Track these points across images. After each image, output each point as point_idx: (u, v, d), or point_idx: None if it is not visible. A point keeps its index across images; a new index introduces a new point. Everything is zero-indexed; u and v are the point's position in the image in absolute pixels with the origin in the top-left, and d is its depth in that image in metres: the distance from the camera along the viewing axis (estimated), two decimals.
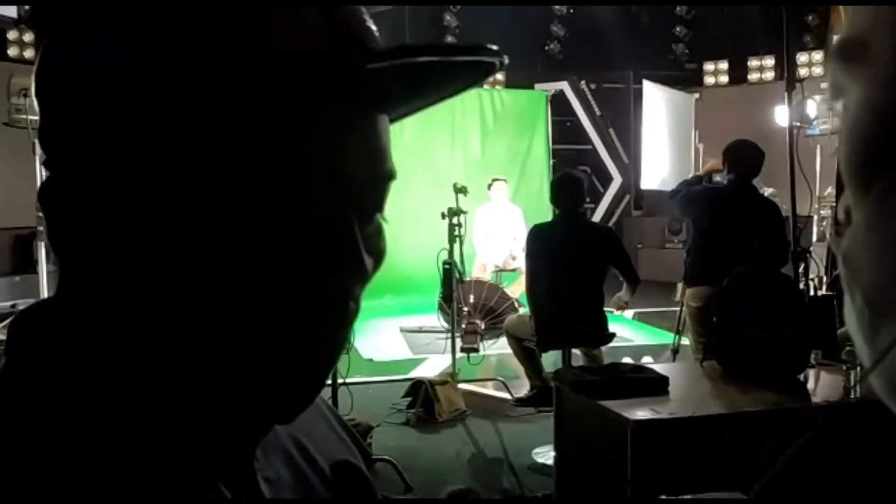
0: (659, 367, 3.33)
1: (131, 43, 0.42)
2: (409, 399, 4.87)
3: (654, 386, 2.92)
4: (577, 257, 4.22)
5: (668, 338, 6.73)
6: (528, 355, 4.84)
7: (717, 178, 4.57)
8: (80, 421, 0.43)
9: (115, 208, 0.43)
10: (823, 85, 9.10)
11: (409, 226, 8.85)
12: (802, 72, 9.71)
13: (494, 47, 0.45)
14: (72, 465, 0.42)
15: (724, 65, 10.91)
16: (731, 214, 4.14)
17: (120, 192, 0.43)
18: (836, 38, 0.39)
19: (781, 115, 7.33)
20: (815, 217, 6.72)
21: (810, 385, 3.06)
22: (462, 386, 5.16)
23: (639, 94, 10.02)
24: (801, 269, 4.01)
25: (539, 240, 4.43)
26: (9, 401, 0.44)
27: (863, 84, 0.36)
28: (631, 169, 10.54)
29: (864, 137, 0.35)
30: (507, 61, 0.46)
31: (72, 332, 0.46)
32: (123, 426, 0.44)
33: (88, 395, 0.44)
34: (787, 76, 4.00)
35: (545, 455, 4.11)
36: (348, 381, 4.17)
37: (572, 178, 4.50)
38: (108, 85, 0.42)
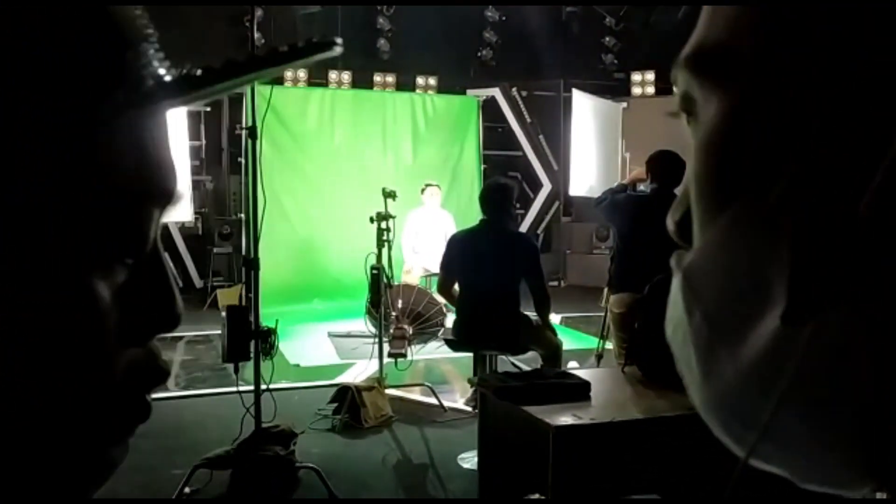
0: (582, 373, 3.37)
1: None
2: (335, 405, 4.81)
3: (577, 391, 2.95)
4: (493, 264, 4.27)
5: (594, 342, 6.83)
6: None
7: (641, 186, 4.67)
8: None
9: None
10: None
11: (339, 230, 8.78)
12: None
13: (335, 40, 0.35)
14: None
15: (650, 76, 11.18)
16: (653, 222, 4.20)
17: None
18: (687, 45, 0.37)
19: None
20: None
21: None
22: (389, 391, 5.13)
23: (568, 102, 10.17)
24: None
25: (459, 245, 4.48)
26: None
27: (719, 99, 0.34)
28: (560, 176, 10.69)
29: (720, 157, 0.34)
30: (340, 47, 0.35)
31: None
32: None
33: None
34: None
35: (470, 460, 4.12)
36: (272, 387, 4.09)
37: (498, 187, 4.56)
38: None
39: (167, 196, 0.36)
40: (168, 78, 0.35)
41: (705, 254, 0.35)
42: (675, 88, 0.38)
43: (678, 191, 0.40)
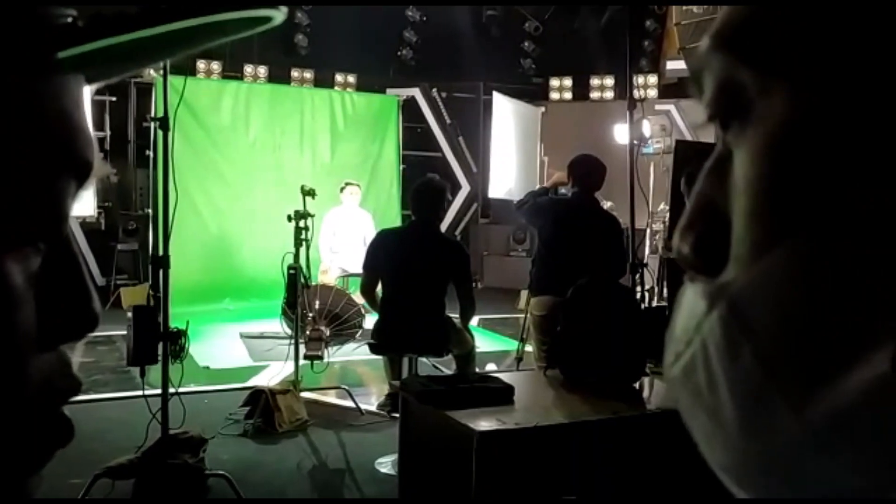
0: (505, 376, 3.35)
1: None
2: (248, 409, 4.64)
3: (500, 396, 2.92)
4: (422, 267, 4.18)
5: (510, 344, 6.88)
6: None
7: (563, 190, 4.70)
8: None
9: None
10: (658, 106, 9.71)
11: (252, 227, 8.54)
12: (638, 93, 10.30)
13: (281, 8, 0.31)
14: None
15: (568, 81, 11.36)
16: (574, 226, 4.26)
17: None
18: (722, 21, 0.29)
19: (620, 133, 7.73)
20: (649, 231, 7.11)
21: (645, 393, 3.18)
22: (305, 395, 4.99)
23: (488, 105, 10.23)
24: (637, 281, 4.19)
25: (385, 244, 4.36)
26: None
27: (787, 92, 0.27)
28: (479, 178, 10.74)
29: (794, 167, 0.27)
30: (283, 14, 0.31)
31: None
32: None
33: None
34: (629, 96, 4.17)
35: (388, 465, 4.04)
36: (181, 390, 3.90)
37: (431, 188, 4.43)
38: None
39: (86, 167, 0.31)
40: (91, 22, 0.28)
41: (763, 284, 0.28)
42: (702, 80, 0.30)
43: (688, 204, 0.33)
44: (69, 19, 0.28)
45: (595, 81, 11.18)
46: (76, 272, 0.32)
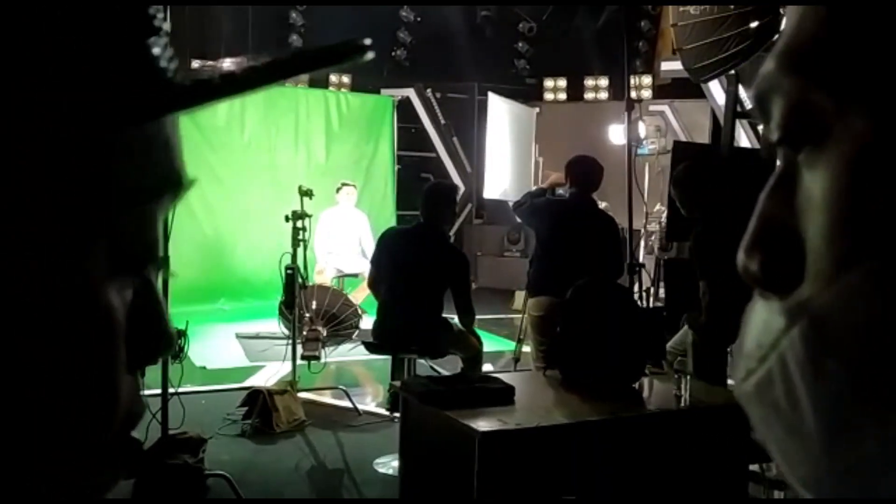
0: (503, 376, 3.36)
1: None
2: (245, 409, 4.64)
3: (501, 396, 2.93)
4: (421, 268, 4.19)
5: (505, 345, 6.90)
6: None
7: (560, 190, 4.72)
8: None
9: None
10: (652, 107, 9.74)
11: (247, 227, 8.52)
12: (633, 94, 10.33)
13: (365, 42, 0.32)
14: None
15: (562, 82, 11.39)
16: (572, 226, 4.28)
17: None
18: (788, 42, 0.30)
19: (615, 134, 7.77)
20: (644, 231, 7.15)
21: (644, 393, 3.21)
22: (302, 395, 5.00)
23: (482, 105, 10.24)
24: (634, 281, 4.22)
25: (389, 242, 4.39)
26: None
27: (863, 122, 0.27)
28: (473, 178, 10.75)
29: (873, 196, 0.27)
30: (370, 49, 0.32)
31: None
32: None
33: None
34: (627, 97, 4.20)
35: (387, 465, 4.06)
36: (179, 390, 3.91)
37: (438, 191, 4.45)
38: None
39: (182, 185, 0.33)
40: (198, 80, 0.30)
41: (848, 300, 0.28)
42: (770, 101, 0.30)
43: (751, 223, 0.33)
44: (171, 72, 0.30)
45: (589, 82, 11.21)
46: (157, 305, 0.33)
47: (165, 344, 0.33)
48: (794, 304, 0.30)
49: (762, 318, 0.31)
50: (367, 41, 0.31)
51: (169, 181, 0.32)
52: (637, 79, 10.61)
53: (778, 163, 0.32)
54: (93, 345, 0.29)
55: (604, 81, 11.08)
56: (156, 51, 0.29)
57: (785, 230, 0.30)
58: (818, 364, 0.29)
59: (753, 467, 3.59)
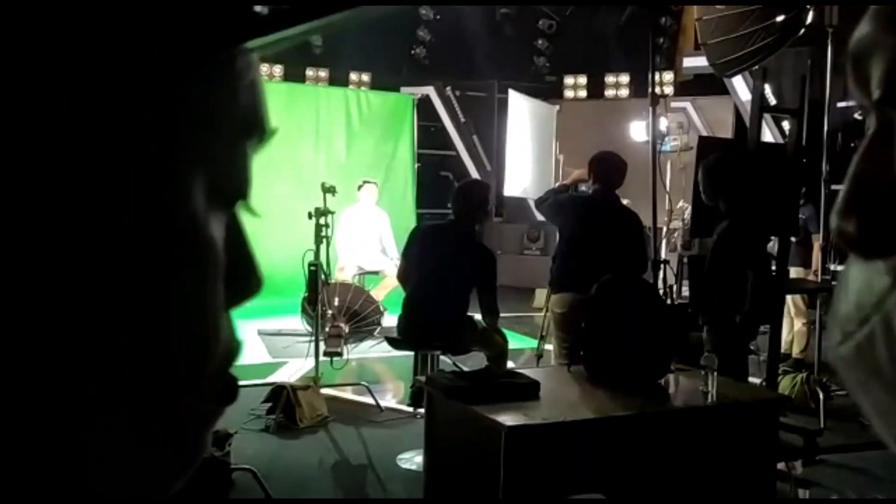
0: (528, 372, 3.36)
1: None
2: (269, 405, 4.67)
3: (526, 391, 2.93)
4: (447, 265, 4.20)
5: (525, 342, 6.90)
6: None
7: (583, 187, 4.71)
8: None
9: None
10: (674, 104, 9.68)
11: (270, 225, 8.55)
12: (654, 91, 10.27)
13: None
14: None
15: (582, 79, 11.34)
16: (595, 223, 4.27)
17: None
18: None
19: (636, 130, 7.72)
20: (666, 229, 7.11)
21: (670, 390, 3.19)
22: (325, 391, 5.02)
23: (502, 103, 10.22)
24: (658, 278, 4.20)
25: (419, 237, 4.41)
26: None
27: None
28: (493, 176, 10.73)
29: None
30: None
31: None
32: None
33: None
34: (651, 93, 4.18)
35: (410, 461, 4.07)
36: None
37: (471, 190, 4.45)
38: None
39: (266, 128, 0.34)
40: (274, 8, 0.30)
41: None
42: (868, 62, 0.31)
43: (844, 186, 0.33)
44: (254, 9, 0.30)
45: (610, 79, 11.16)
46: (245, 241, 0.34)
47: (257, 282, 0.34)
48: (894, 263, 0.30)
49: (863, 280, 0.31)
50: None
51: (256, 122, 0.33)
52: (659, 75, 10.57)
53: (870, 125, 0.32)
54: (198, 275, 0.30)
55: (625, 78, 11.02)
56: None
57: (883, 189, 0.30)
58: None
59: (780, 466, 3.57)
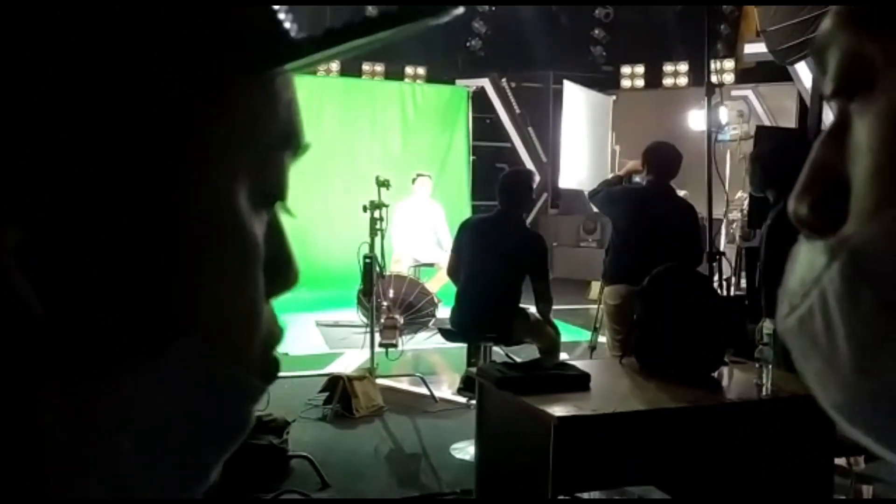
0: (579, 364, 3.36)
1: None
2: (326, 394, 4.78)
3: (577, 382, 2.94)
4: (498, 256, 4.22)
5: (581, 335, 6.86)
6: None
7: (637, 178, 4.66)
8: None
9: None
10: (735, 92, 9.47)
11: (326, 218, 8.72)
12: (714, 79, 10.05)
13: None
14: None
15: (640, 69, 11.18)
16: (648, 214, 4.23)
17: None
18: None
19: (695, 120, 7.58)
20: (725, 220, 6.97)
21: (724, 382, 3.15)
22: (380, 381, 5.11)
23: (557, 94, 10.15)
24: (714, 270, 4.14)
25: (470, 232, 4.44)
26: None
27: None
28: (549, 168, 10.68)
29: None
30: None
31: None
32: None
33: None
34: (707, 81, 4.11)
35: (463, 451, 4.11)
36: None
37: (515, 179, 4.47)
38: None
39: (301, 144, 0.38)
40: (300, 37, 0.34)
41: (886, 235, 0.31)
42: (827, 56, 0.33)
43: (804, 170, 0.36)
44: (294, 34, 0.34)
45: (668, 68, 10.97)
46: (284, 238, 0.38)
47: (294, 275, 0.38)
48: (835, 242, 0.32)
49: (807, 258, 0.34)
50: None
51: (291, 135, 0.37)
52: (719, 63, 10.34)
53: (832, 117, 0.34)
54: (238, 265, 0.34)
55: (683, 67, 10.82)
56: (280, 16, 0.34)
57: (834, 175, 0.33)
58: (855, 295, 0.31)
59: (840, 461, 3.48)
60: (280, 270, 0.37)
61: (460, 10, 0.34)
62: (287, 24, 0.34)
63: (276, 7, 0.34)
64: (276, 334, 0.37)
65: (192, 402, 0.33)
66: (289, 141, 0.37)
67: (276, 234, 0.37)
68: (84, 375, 0.30)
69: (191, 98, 0.32)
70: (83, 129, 0.30)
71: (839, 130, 0.33)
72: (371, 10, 0.32)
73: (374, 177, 5.39)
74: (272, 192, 0.36)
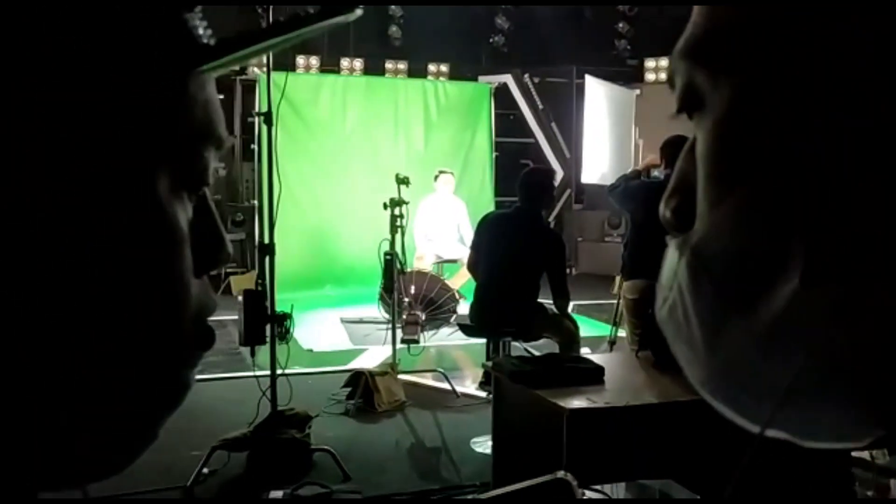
0: (596, 358, 3.39)
1: None
2: (349, 389, 4.86)
3: (591, 376, 2.97)
4: (516, 252, 4.26)
5: (606, 330, 6.85)
6: None
7: (655, 172, 4.67)
8: None
9: None
10: None
11: (351, 216, 8.80)
12: None
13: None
14: None
15: (664, 62, 11.10)
16: None
17: None
18: (687, 40, 0.38)
19: None
20: None
21: None
22: (402, 377, 5.17)
23: (581, 89, 10.13)
24: None
25: (488, 228, 4.49)
26: None
27: (727, 86, 0.35)
28: (572, 163, 10.67)
29: (731, 140, 0.36)
30: (360, 10, 0.37)
31: None
32: None
33: None
34: None
35: (483, 444, 4.15)
36: (287, 371, 4.13)
37: (535, 177, 4.53)
38: None
39: (222, 138, 0.41)
40: (213, 42, 0.38)
41: (716, 231, 0.36)
42: (675, 81, 0.39)
43: (671, 178, 0.41)
44: (206, 39, 0.38)
45: None
46: (213, 219, 0.41)
47: (222, 249, 0.41)
48: (682, 240, 0.38)
49: (670, 256, 0.39)
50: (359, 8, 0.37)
51: (209, 131, 0.40)
52: None
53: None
54: (162, 245, 0.37)
55: None
56: (194, 23, 0.38)
57: (689, 184, 0.38)
58: (698, 283, 0.37)
59: (862, 454, 3.47)
60: (209, 248, 0.40)
61: (359, 11, 0.38)
62: (200, 29, 0.38)
63: (188, 13, 0.38)
64: (208, 305, 0.41)
65: (131, 369, 0.37)
66: (206, 137, 0.40)
67: (205, 216, 0.40)
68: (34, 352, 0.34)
69: (115, 88, 0.34)
70: (43, 127, 0.32)
71: (692, 145, 0.39)
72: (286, 12, 0.37)
73: (395, 174, 5.45)
74: (193, 180, 0.39)
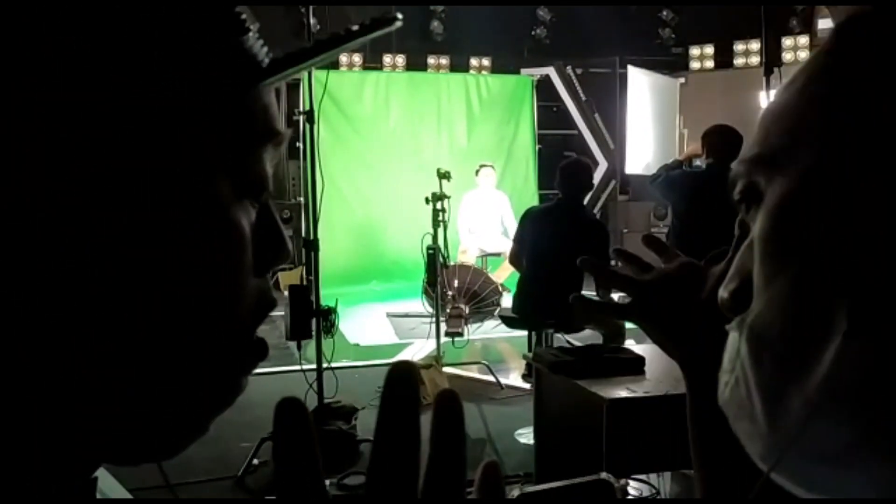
0: (638, 349, 3.39)
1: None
2: None
3: (631, 366, 2.97)
4: (558, 244, 4.27)
5: None
6: None
7: (697, 162, 4.62)
8: None
9: None
10: None
11: (395, 211, 8.88)
12: (788, 56, 9.74)
13: (396, 15, 0.39)
14: None
15: (709, 49, 10.92)
16: (708, 199, 4.18)
17: None
18: (752, 152, 0.44)
19: (764, 101, 7.39)
20: None
21: None
22: (447, 370, 5.22)
23: (625, 79, 10.03)
24: None
25: (529, 221, 4.52)
26: None
27: (783, 183, 0.41)
28: (617, 154, 10.57)
29: (785, 225, 0.41)
30: (399, 19, 0.39)
31: None
32: None
33: None
34: (766, 60, 4.04)
35: (527, 436, 4.18)
36: (333, 365, 4.22)
37: (573, 167, 4.54)
38: None
39: (280, 136, 0.42)
40: (267, 61, 0.41)
41: (771, 306, 0.40)
42: (737, 182, 0.45)
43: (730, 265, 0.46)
44: (262, 58, 0.40)
45: (739, 47, 10.68)
46: (274, 220, 0.42)
47: (284, 250, 0.42)
48: (740, 319, 0.42)
49: (731, 340, 0.44)
50: (399, 14, 0.39)
51: (268, 134, 0.41)
52: (792, 39, 10.01)
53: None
54: (224, 249, 0.38)
55: (755, 45, 10.49)
56: (249, 44, 0.40)
57: (747, 272, 0.43)
58: (758, 359, 0.40)
59: None
60: (271, 248, 0.42)
61: (399, 23, 0.40)
62: (255, 49, 0.40)
63: (252, 29, 0.40)
64: (267, 304, 0.42)
65: (183, 371, 0.38)
66: (264, 138, 0.41)
67: (267, 218, 0.42)
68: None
69: (182, 103, 0.36)
70: (84, 128, 0.32)
71: (750, 246, 0.44)
72: (340, 29, 0.39)
73: (437, 169, 5.49)
74: (257, 184, 0.40)
